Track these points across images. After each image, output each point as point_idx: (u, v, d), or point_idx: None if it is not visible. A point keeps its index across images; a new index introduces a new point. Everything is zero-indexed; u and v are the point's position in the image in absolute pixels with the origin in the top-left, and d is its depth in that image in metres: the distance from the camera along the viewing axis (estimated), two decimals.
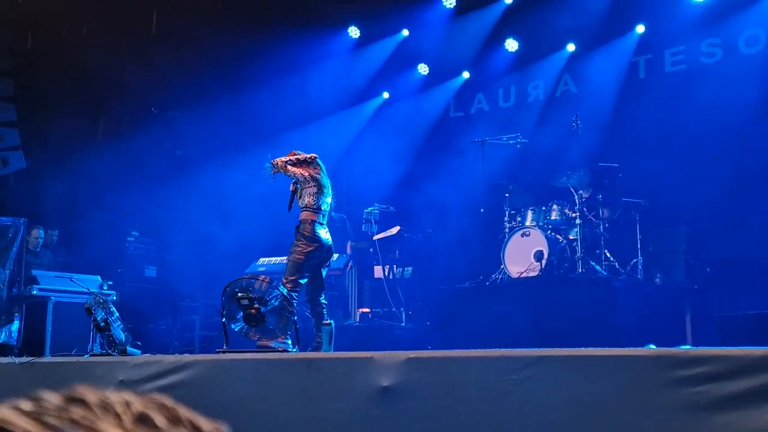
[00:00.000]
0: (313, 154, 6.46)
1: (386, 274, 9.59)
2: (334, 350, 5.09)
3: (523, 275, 7.86)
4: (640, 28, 10.04)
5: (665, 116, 9.29)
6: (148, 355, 5.65)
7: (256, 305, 4.90)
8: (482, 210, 9.03)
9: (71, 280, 8.19)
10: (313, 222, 6.30)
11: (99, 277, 8.78)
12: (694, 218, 8.69)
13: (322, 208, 6.38)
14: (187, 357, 4.86)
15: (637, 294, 7.70)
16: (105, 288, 9.04)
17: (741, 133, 8.99)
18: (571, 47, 10.64)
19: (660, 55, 10.00)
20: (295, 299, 5.48)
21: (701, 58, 9.66)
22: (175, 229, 10.59)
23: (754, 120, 8.96)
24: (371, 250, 9.78)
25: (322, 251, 6.35)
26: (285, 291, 4.90)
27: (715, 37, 9.53)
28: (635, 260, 8.26)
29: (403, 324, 9.01)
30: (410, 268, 10.19)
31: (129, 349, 5.94)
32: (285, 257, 9.93)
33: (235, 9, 10.69)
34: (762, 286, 8.08)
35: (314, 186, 6.32)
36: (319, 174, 6.40)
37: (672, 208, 8.84)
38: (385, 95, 12.58)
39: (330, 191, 6.51)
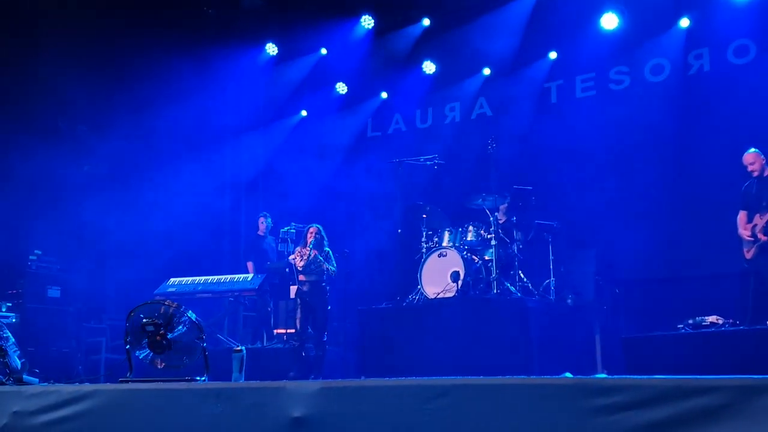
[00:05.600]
0: None
1: None
2: (245, 378, 4.93)
3: (439, 296, 7.87)
4: (553, 55, 10.33)
5: (576, 140, 9.55)
6: (46, 384, 5.32)
7: (162, 331, 4.69)
8: (400, 230, 9.01)
9: None
10: None
11: None
12: (603, 240, 8.94)
13: None
14: (87, 387, 4.59)
15: (549, 314, 7.81)
16: (3, 310, 8.55)
17: (647, 157, 9.35)
18: (486, 71, 10.83)
19: (571, 81, 10.30)
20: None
21: (610, 85, 10.00)
22: (81, 247, 10.13)
23: (659, 145, 9.33)
24: (287, 270, 9.59)
25: None
26: (193, 316, 4.71)
27: (623, 65, 9.89)
28: (548, 281, 8.41)
29: None
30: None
31: (25, 377, 5.60)
32: (197, 277, 9.73)
33: (150, 23, 10.37)
34: (666, 306, 8.39)
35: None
36: None
37: (583, 229, 9.07)
38: (304, 113, 12.49)
39: None
